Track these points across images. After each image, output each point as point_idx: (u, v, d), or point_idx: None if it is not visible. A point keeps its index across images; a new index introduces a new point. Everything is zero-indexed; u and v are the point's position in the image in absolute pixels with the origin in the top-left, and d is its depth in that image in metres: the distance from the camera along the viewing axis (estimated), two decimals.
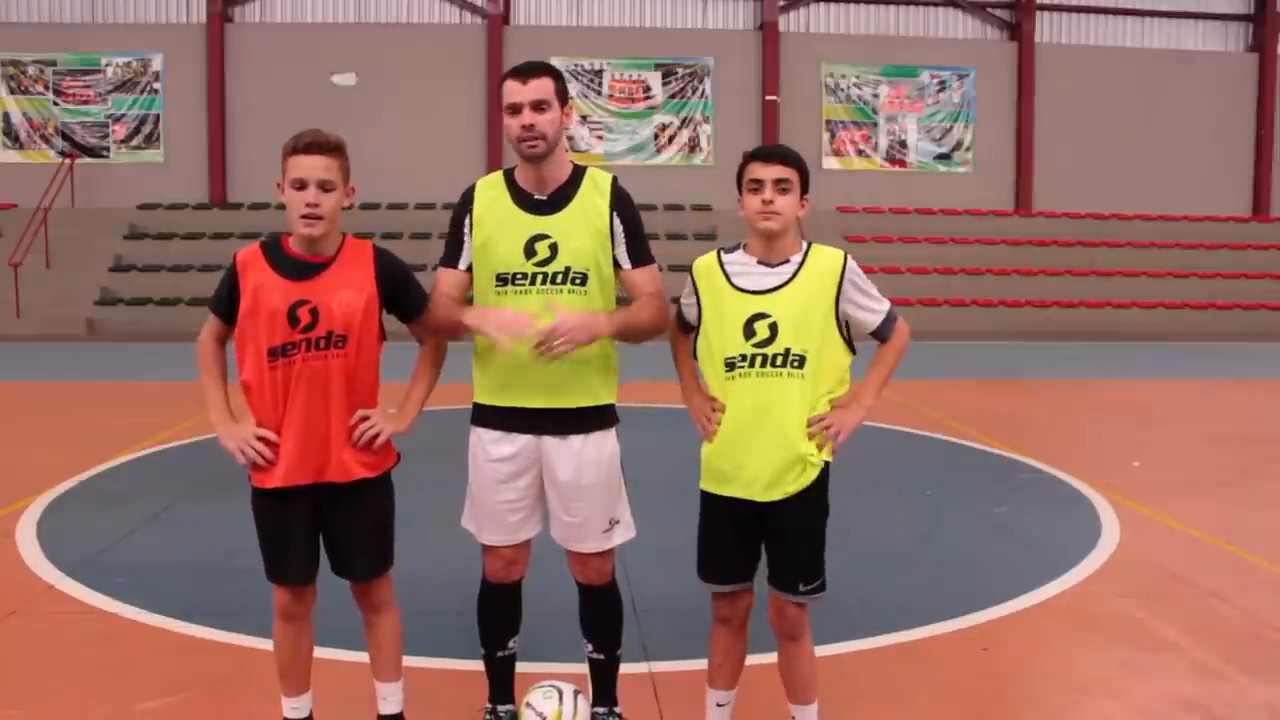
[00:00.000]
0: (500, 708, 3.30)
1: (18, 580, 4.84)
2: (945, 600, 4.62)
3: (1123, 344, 19.08)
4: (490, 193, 3.11)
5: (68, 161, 23.08)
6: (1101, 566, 5.18)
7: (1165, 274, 22.79)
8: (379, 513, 3.09)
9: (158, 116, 23.67)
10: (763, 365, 2.88)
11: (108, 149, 23.65)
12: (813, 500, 2.93)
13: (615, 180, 3.15)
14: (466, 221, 3.09)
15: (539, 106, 2.98)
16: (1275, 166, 25.69)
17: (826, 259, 2.94)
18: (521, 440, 3.09)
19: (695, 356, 3.06)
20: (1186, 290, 22.42)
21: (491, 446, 3.12)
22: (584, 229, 3.04)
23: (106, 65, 23.56)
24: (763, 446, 2.88)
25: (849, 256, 2.95)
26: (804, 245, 2.97)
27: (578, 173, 3.12)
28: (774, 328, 2.87)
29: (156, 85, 23.65)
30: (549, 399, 3.05)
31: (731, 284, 2.95)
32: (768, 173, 2.90)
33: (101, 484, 6.97)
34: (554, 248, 3.01)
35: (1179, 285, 22.53)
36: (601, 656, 3.28)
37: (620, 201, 3.11)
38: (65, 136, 23.54)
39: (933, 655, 4.04)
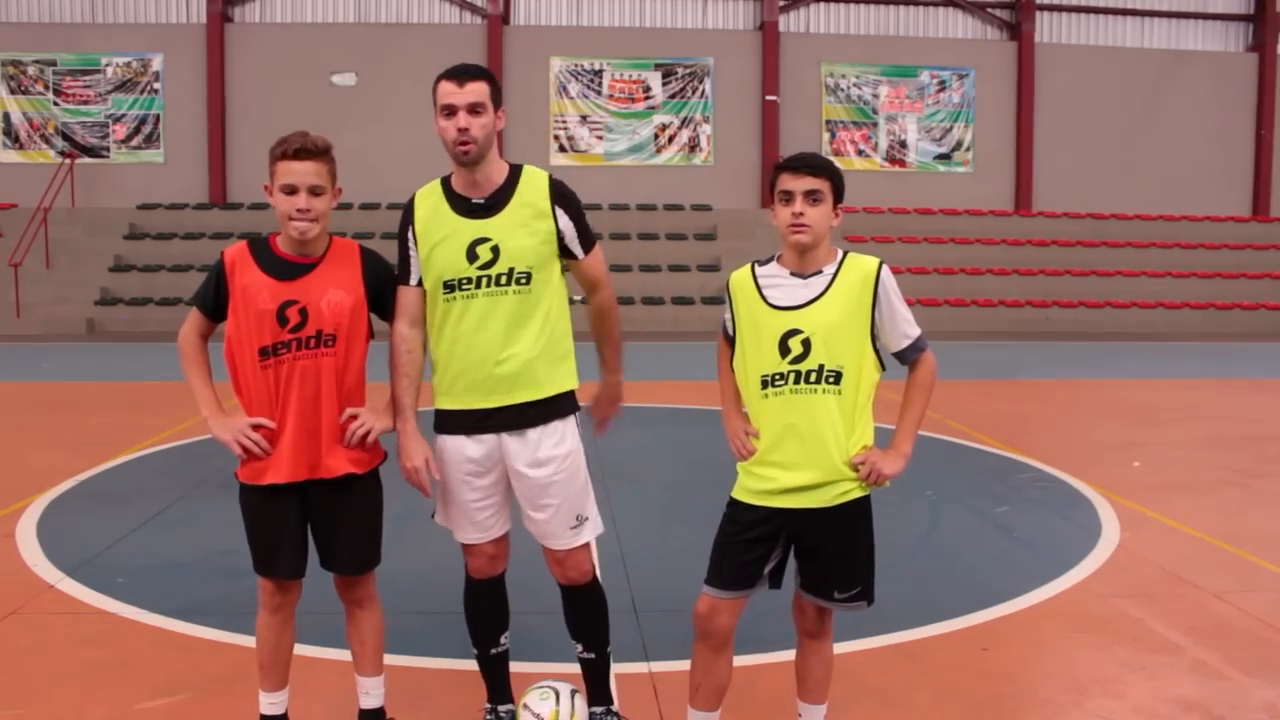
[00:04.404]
0: (500, 708, 3.30)
1: (18, 580, 4.84)
2: (945, 600, 4.63)
3: (1123, 344, 19.08)
4: (429, 202, 3.11)
5: (68, 161, 23.10)
6: (1101, 566, 5.18)
7: (1165, 274, 22.82)
8: (368, 509, 3.13)
9: (158, 116, 23.69)
10: (797, 382, 2.82)
11: (108, 149, 23.67)
12: (854, 516, 2.89)
13: (551, 177, 3.15)
14: (410, 235, 3.10)
15: (474, 110, 2.98)
16: (1275, 166, 25.70)
17: (860, 268, 2.86)
18: (486, 440, 3.10)
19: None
20: (1186, 290, 22.44)
21: (454, 448, 3.13)
22: (523, 229, 3.04)
23: (106, 65, 23.58)
24: (799, 465, 2.83)
25: (884, 264, 2.88)
26: (839, 254, 2.90)
27: (514, 172, 3.11)
28: (807, 344, 2.81)
29: (156, 85, 23.67)
30: (500, 398, 3.06)
31: (765, 300, 2.89)
32: (798, 184, 2.81)
33: (101, 484, 6.97)
34: (495, 250, 3.02)
35: (1179, 285, 22.56)
36: (592, 655, 3.26)
37: (561, 198, 3.10)
38: (65, 136, 23.56)
39: (933, 655, 4.04)
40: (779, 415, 2.85)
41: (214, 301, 3.03)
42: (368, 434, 3.03)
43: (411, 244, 3.09)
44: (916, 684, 3.76)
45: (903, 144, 25.09)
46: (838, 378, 2.82)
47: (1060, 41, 25.59)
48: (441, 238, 3.04)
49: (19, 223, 21.29)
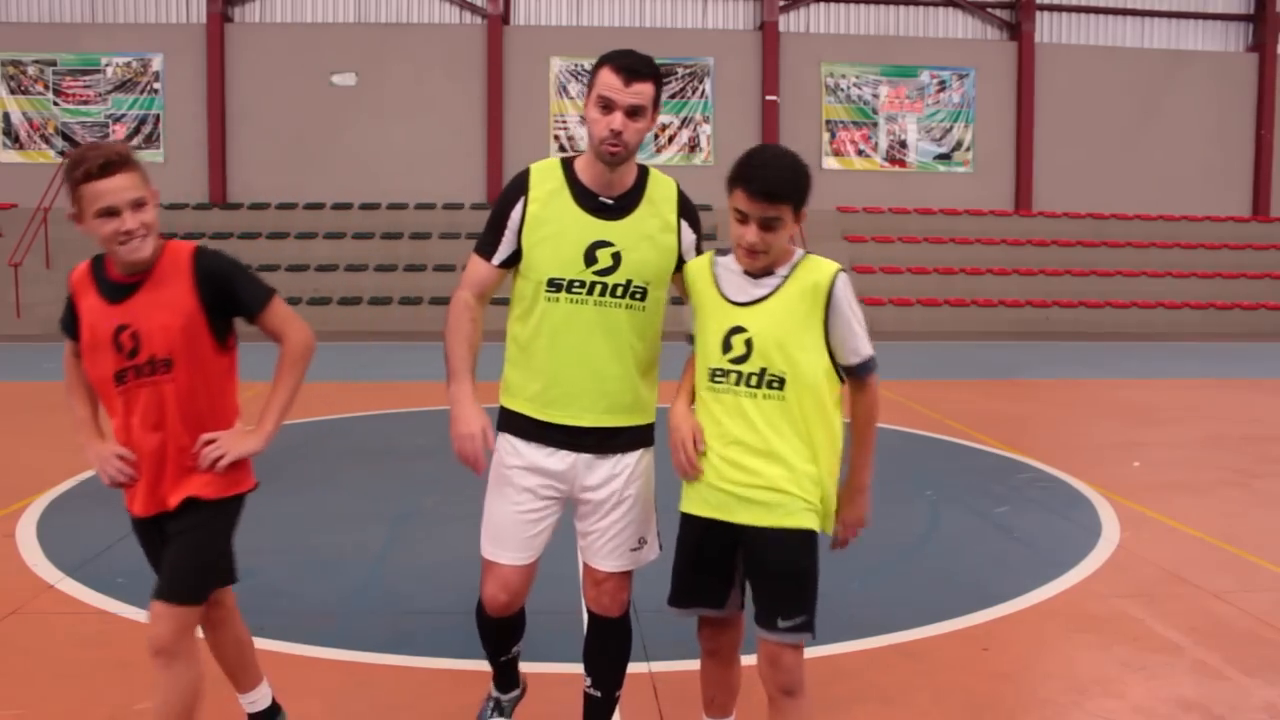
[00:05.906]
0: (504, 696, 3.27)
1: (18, 580, 4.84)
2: (945, 600, 4.62)
3: (1123, 344, 19.08)
4: (547, 184, 2.83)
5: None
6: (1101, 566, 5.18)
7: (1165, 274, 22.83)
8: (202, 535, 2.77)
9: (158, 116, 23.69)
10: (737, 383, 2.65)
11: None
12: (803, 540, 2.66)
13: (679, 186, 2.95)
14: (519, 211, 2.82)
15: (634, 113, 2.72)
16: (1275, 166, 25.71)
17: (814, 274, 2.65)
18: (559, 454, 2.86)
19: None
20: (1186, 290, 22.45)
21: (526, 457, 2.87)
22: (648, 241, 2.83)
23: (106, 65, 23.57)
24: (742, 471, 2.66)
25: (842, 272, 2.66)
26: (797, 254, 2.69)
27: (642, 175, 2.88)
28: (749, 344, 2.63)
29: (156, 85, 23.67)
30: (595, 418, 2.84)
31: (719, 290, 2.72)
32: (754, 210, 2.57)
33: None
34: (617, 257, 2.79)
35: (1179, 285, 22.57)
36: (599, 694, 3.00)
37: (687, 210, 2.92)
38: (65, 136, 23.55)
39: (933, 655, 4.04)
40: (725, 413, 2.68)
41: (71, 326, 2.80)
42: (220, 459, 2.72)
43: (515, 223, 2.82)
44: (916, 684, 3.76)
45: (903, 144, 25.09)
46: (781, 383, 2.62)
47: (1060, 41, 25.60)
48: (557, 230, 2.79)
49: (19, 223, 21.30)
